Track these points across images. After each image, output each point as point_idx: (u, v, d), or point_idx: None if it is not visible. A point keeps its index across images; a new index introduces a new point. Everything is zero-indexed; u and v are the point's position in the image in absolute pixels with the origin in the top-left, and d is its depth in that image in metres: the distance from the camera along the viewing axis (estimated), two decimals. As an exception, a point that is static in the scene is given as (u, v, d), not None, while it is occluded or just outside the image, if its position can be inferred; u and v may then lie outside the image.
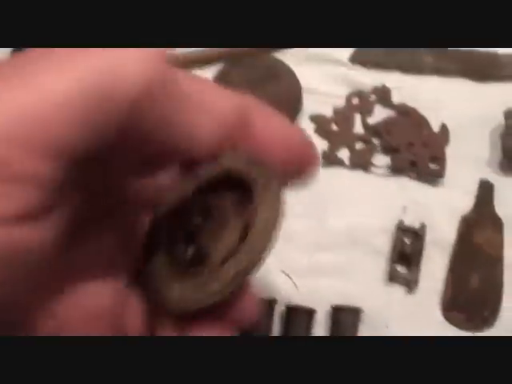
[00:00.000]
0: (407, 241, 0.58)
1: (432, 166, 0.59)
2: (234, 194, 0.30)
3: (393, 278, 0.57)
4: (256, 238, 0.27)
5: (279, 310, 0.57)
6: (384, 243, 0.58)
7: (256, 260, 0.27)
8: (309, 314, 0.56)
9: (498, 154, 0.59)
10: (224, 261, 0.27)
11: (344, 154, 0.60)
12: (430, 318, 0.57)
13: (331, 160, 0.59)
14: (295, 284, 0.58)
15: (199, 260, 0.28)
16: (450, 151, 0.60)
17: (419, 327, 0.56)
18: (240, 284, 0.27)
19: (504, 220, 0.58)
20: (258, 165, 0.28)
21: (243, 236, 0.28)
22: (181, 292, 0.27)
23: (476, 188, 0.59)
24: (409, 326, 0.57)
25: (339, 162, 0.59)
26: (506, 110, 0.58)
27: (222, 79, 0.58)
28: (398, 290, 0.57)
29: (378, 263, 0.58)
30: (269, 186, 0.28)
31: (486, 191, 0.58)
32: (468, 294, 0.56)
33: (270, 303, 0.57)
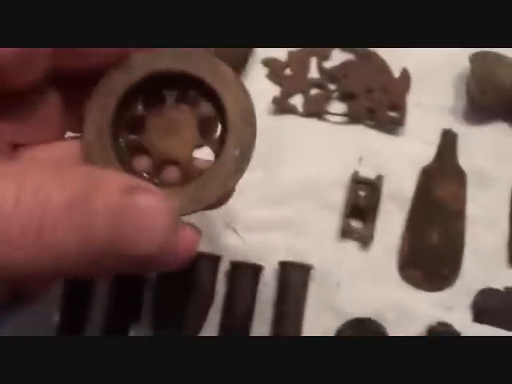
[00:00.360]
0: (362, 193, 0.53)
1: (391, 113, 0.54)
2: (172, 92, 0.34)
3: (346, 233, 0.53)
4: (239, 128, 0.33)
5: (224, 267, 0.53)
6: (338, 196, 0.54)
7: (251, 144, 0.33)
8: (255, 270, 0.52)
9: (463, 102, 0.55)
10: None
11: (297, 100, 0.56)
12: (385, 276, 0.52)
13: (283, 107, 0.55)
14: (242, 238, 0.54)
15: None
16: (412, 98, 0.55)
17: (373, 285, 0.52)
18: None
19: (467, 172, 0.54)
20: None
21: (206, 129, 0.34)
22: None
23: (438, 138, 0.54)
24: (362, 284, 0.52)
25: (292, 110, 0.55)
26: (472, 54, 0.53)
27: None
28: (351, 246, 0.53)
29: (331, 218, 0.54)
30: (223, 78, 0.33)
31: (448, 141, 0.54)
32: (427, 250, 0.52)
33: (215, 260, 0.53)
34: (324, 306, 0.52)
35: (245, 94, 0.33)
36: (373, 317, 0.51)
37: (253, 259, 0.53)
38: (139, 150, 0.35)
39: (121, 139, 0.35)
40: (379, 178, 0.53)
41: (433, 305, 0.52)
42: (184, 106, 0.35)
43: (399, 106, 0.54)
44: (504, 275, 0.52)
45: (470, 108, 0.54)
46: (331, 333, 0.52)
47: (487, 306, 0.51)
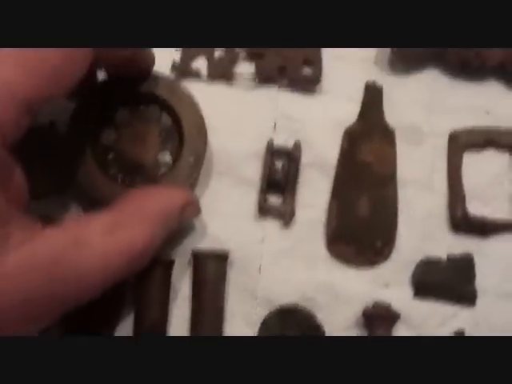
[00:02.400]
0: (279, 164, 0.47)
1: (306, 70, 0.48)
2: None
3: (264, 210, 0.47)
4: (193, 138, 0.44)
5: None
6: (254, 170, 0.47)
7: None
8: (164, 266, 0.46)
9: (387, 50, 0.48)
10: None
11: (200, 63, 0.49)
12: (311, 256, 0.46)
13: (184, 71, 0.48)
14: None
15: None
16: (328, 51, 0.48)
17: (299, 267, 0.46)
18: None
19: (396, 129, 0.47)
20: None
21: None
22: None
23: (361, 93, 0.48)
24: (286, 266, 0.46)
25: (195, 74, 0.48)
26: (392, -6, 0.46)
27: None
28: (271, 225, 0.47)
29: (247, 195, 0.47)
30: (179, 96, 0.44)
31: (373, 96, 0.48)
32: (356, 222, 0.46)
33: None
34: (246, 295, 0.46)
35: (197, 109, 0.44)
36: (302, 302, 0.46)
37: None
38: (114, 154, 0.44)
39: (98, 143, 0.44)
40: (296, 145, 0.46)
41: (367, 282, 0.46)
42: (149, 119, 0.44)
43: (314, 61, 0.47)
44: (445, 241, 0.46)
45: (394, 55, 0.48)
46: (256, 326, 0.46)
47: (428, 278, 0.46)
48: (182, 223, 0.43)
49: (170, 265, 0.46)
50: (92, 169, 0.44)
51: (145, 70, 0.42)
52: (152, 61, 0.41)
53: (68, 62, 0.31)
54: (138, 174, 0.45)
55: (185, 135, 0.44)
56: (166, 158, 0.46)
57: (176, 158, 0.45)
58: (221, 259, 0.45)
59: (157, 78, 0.44)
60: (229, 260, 0.46)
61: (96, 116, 0.44)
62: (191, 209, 0.41)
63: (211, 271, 0.45)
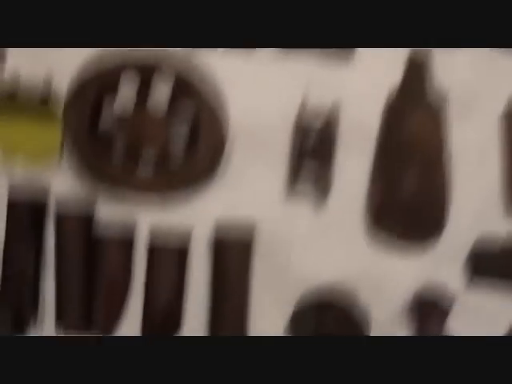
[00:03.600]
0: (313, 133, 0.41)
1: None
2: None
3: (296, 184, 0.41)
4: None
5: (140, 252, 0.41)
6: (283, 139, 0.41)
7: None
8: (179, 254, 0.40)
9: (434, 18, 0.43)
10: None
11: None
12: (349, 237, 0.41)
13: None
14: (162, 205, 0.41)
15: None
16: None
17: (336, 249, 0.40)
18: None
19: (445, 100, 0.41)
20: None
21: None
22: None
23: (405, 58, 0.42)
24: (321, 248, 0.40)
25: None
26: None
27: None
28: (304, 202, 0.41)
29: (275, 168, 0.41)
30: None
31: (418, 62, 0.42)
32: (402, 198, 0.40)
33: (127, 241, 0.40)
34: (276, 282, 0.40)
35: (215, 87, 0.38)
36: (339, 290, 0.39)
37: (181, 229, 0.40)
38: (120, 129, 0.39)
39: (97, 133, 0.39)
40: (333, 112, 0.40)
41: (416, 266, 0.40)
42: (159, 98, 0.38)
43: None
44: (502, 221, 0.40)
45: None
46: (286, 315, 0.39)
47: (485, 261, 0.39)
48: None
49: (183, 253, 0.40)
50: (92, 155, 0.40)
51: None
52: None
53: None
54: (145, 161, 0.40)
55: (201, 121, 0.39)
56: (180, 142, 0.41)
57: (191, 148, 0.40)
58: (245, 246, 0.39)
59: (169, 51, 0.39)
60: (256, 242, 0.40)
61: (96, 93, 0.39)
62: None
63: (234, 260, 0.39)
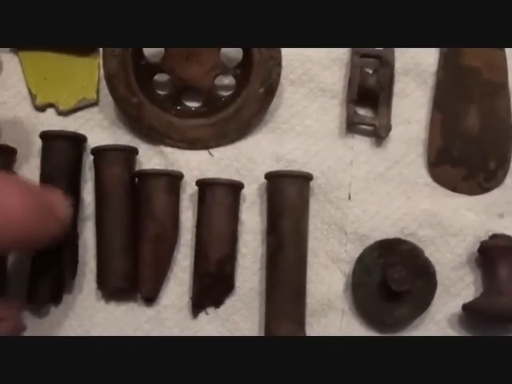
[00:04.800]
0: (369, 71, 0.38)
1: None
2: None
3: (353, 125, 0.38)
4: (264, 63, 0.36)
5: (190, 189, 0.37)
6: (337, 78, 0.39)
7: None
8: (232, 189, 0.36)
9: None
10: None
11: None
12: (412, 181, 0.38)
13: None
14: (212, 155, 0.38)
15: None
16: None
17: (396, 194, 0.38)
18: None
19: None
20: None
21: None
22: None
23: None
24: (381, 193, 0.38)
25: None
26: None
27: None
28: (362, 143, 0.38)
29: (329, 108, 0.39)
30: None
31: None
32: (464, 140, 0.38)
33: (173, 179, 0.37)
34: (333, 230, 0.37)
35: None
36: (402, 237, 0.37)
37: (231, 177, 0.37)
38: (161, 72, 0.37)
39: (142, 62, 0.36)
40: (389, 49, 0.38)
41: (480, 212, 0.38)
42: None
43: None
44: None
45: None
46: (347, 264, 0.37)
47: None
48: None
49: (238, 188, 0.37)
50: (135, 95, 0.37)
51: None
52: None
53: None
54: (192, 99, 0.38)
55: (253, 56, 0.36)
56: (227, 80, 0.38)
57: (241, 84, 0.37)
58: (302, 180, 0.36)
59: None
60: (311, 188, 0.37)
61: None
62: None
63: (290, 195, 0.36)
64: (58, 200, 0.31)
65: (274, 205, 0.36)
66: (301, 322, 0.35)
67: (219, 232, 0.36)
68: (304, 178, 0.36)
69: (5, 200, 0.28)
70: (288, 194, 0.36)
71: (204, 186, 0.36)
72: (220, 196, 0.36)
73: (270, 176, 0.36)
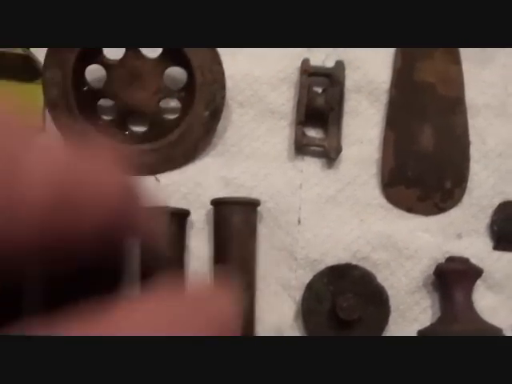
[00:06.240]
0: (318, 90, 0.37)
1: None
2: None
3: (302, 147, 0.37)
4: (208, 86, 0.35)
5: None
6: (285, 98, 0.37)
7: None
8: (178, 216, 0.35)
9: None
10: None
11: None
12: (364, 202, 0.37)
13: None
14: (158, 180, 0.37)
15: None
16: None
17: (349, 217, 0.36)
18: None
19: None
20: None
21: None
22: None
23: None
24: (332, 218, 0.36)
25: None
26: None
27: None
28: (311, 166, 0.37)
29: (277, 130, 0.37)
30: None
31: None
32: (419, 158, 0.36)
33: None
34: (283, 255, 0.36)
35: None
36: (354, 261, 0.36)
37: (175, 204, 0.36)
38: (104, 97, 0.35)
39: (84, 88, 0.35)
40: (339, 64, 0.36)
41: (437, 233, 0.36)
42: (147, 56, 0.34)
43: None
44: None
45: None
46: (297, 290, 0.36)
47: (510, 226, 0.36)
48: None
49: (184, 215, 0.36)
50: (78, 122, 0.36)
51: None
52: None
53: None
54: (138, 123, 0.37)
55: (196, 79, 0.35)
56: (172, 103, 0.37)
57: (186, 106, 0.36)
58: (249, 207, 0.35)
59: None
60: (259, 212, 0.36)
61: (79, 53, 0.35)
62: None
63: (237, 222, 0.35)
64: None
65: (220, 232, 0.35)
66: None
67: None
68: (251, 205, 0.35)
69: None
70: (234, 221, 0.35)
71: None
72: (165, 224, 0.35)
73: (215, 203, 0.35)
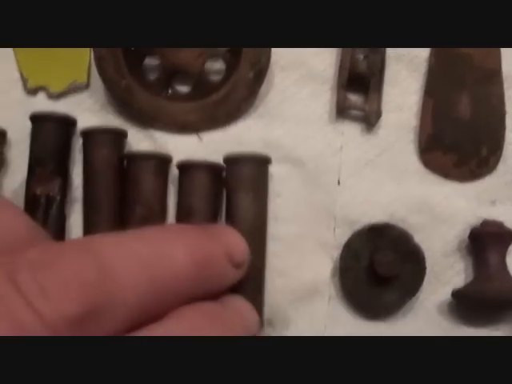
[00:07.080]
0: (360, 56, 0.38)
1: None
2: None
3: (343, 111, 0.37)
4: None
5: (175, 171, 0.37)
6: (327, 63, 0.38)
7: None
8: (213, 171, 0.36)
9: None
10: None
11: None
12: (402, 167, 0.38)
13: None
14: (200, 138, 0.38)
15: None
16: None
17: (386, 180, 0.37)
18: None
19: (498, 18, 0.39)
20: None
21: None
22: None
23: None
24: (370, 179, 0.37)
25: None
26: None
27: None
28: (351, 129, 0.38)
29: (319, 94, 0.38)
30: None
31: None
32: (456, 126, 0.37)
33: (162, 162, 0.36)
34: (322, 214, 0.37)
35: None
36: (391, 222, 0.36)
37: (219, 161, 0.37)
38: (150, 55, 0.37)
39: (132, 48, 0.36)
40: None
41: (470, 199, 0.37)
42: None
43: None
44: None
45: None
46: (335, 249, 0.36)
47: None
48: None
49: (219, 170, 0.36)
50: (124, 78, 0.37)
51: None
52: None
53: None
54: (182, 83, 0.38)
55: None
56: (217, 65, 0.38)
57: (230, 66, 0.37)
58: (260, 162, 0.35)
59: None
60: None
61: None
62: None
63: (245, 175, 0.34)
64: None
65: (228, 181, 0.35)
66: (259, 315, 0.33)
67: (199, 217, 0.35)
68: (261, 161, 0.35)
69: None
70: (244, 172, 0.34)
71: (183, 168, 0.36)
72: (199, 179, 0.35)
73: (226, 158, 0.35)
